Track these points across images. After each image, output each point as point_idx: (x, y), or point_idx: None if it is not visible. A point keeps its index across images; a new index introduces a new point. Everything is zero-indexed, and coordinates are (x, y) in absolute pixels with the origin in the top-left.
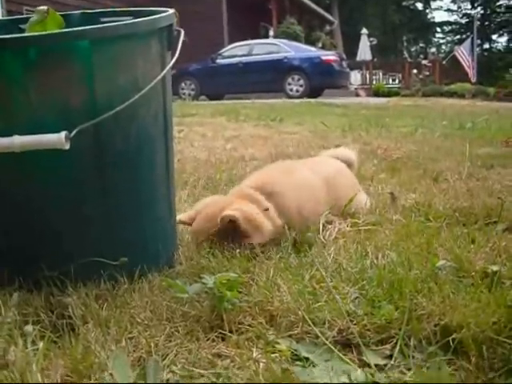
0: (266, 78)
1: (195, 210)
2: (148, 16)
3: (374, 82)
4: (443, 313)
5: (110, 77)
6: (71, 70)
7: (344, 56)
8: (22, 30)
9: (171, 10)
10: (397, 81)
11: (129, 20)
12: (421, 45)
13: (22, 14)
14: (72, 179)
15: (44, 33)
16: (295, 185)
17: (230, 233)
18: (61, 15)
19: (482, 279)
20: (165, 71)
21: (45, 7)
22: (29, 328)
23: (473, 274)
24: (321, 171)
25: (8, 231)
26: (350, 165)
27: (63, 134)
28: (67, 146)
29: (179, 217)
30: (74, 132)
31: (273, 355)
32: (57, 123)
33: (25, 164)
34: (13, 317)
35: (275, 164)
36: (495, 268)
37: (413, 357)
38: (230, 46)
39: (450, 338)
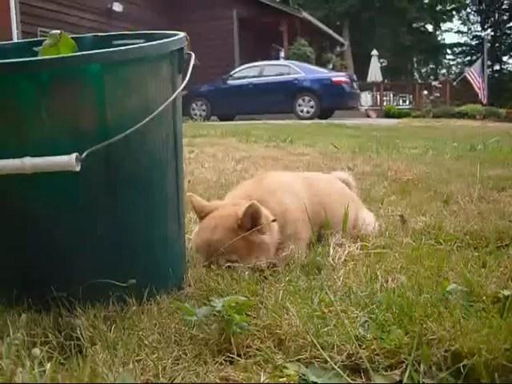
0: (277, 99)
1: (208, 203)
2: (159, 39)
3: (385, 103)
4: (454, 338)
5: (120, 100)
6: (83, 92)
7: (354, 77)
8: (36, 53)
9: (182, 34)
10: (407, 102)
11: (140, 43)
12: (431, 66)
13: (37, 36)
14: (82, 201)
15: (56, 56)
16: (272, 189)
17: (246, 227)
18: (73, 38)
19: (494, 304)
20: (175, 94)
21: (58, 31)
22: (36, 351)
23: (484, 298)
24: (304, 175)
25: (18, 252)
26: (347, 187)
27: (74, 155)
28: (78, 168)
29: (192, 195)
30: (84, 154)
31: (281, 379)
32: (68, 145)
33: (35, 185)
34: (21, 338)
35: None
36: (507, 292)
37: (423, 383)
38: (240, 67)
39: (461, 365)
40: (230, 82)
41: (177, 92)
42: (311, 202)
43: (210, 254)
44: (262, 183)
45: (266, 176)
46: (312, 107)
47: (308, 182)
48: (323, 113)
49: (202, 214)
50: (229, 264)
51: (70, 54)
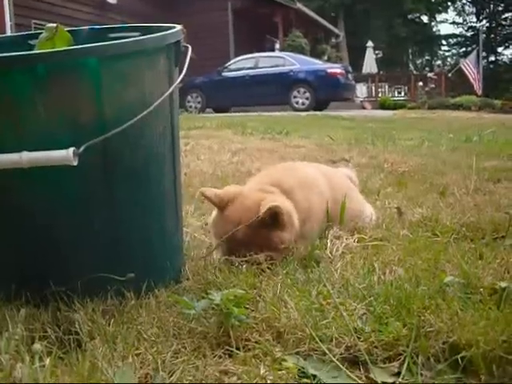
0: (272, 91)
1: (222, 193)
2: (155, 32)
3: (380, 95)
4: (451, 330)
5: (118, 93)
6: (79, 86)
7: (350, 69)
8: (32, 46)
9: (179, 27)
10: (403, 93)
11: (136, 36)
12: (426, 57)
13: (31, 28)
14: (79, 195)
15: (52, 50)
16: (302, 182)
17: (267, 223)
18: (69, 31)
19: (491, 296)
20: (173, 87)
21: (54, 24)
22: (37, 346)
23: (481, 290)
24: (322, 170)
25: (15, 247)
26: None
27: (71, 150)
28: (76, 162)
29: (205, 189)
30: (82, 148)
31: (280, 372)
32: (65, 139)
33: (33, 180)
34: (20, 332)
35: (278, 165)
36: (504, 284)
37: (421, 374)
38: (236, 59)
39: (459, 356)
40: (225, 73)
41: (174, 85)
42: (332, 199)
43: (233, 246)
44: (292, 174)
45: (296, 167)
46: (307, 99)
47: (328, 177)
48: (318, 104)
49: (222, 204)
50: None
51: (67, 48)
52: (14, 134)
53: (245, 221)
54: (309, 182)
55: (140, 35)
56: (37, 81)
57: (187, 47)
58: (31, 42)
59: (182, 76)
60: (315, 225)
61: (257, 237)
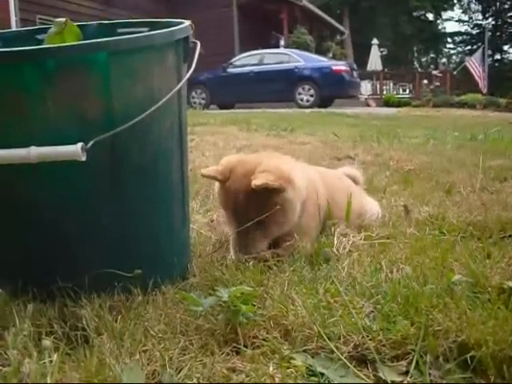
0: (277, 88)
1: (222, 166)
2: (164, 27)
3: (385, 92)
4: (460, 329)
5: (126, 89)
6: (88, 81)
7: (354, 66)
8: (39, 41)
9: (187, 22)
10: (407, 91)
11: (145, 31)
12: (431, 55)
13: (35, 23)
14: (87, 191)
15: (62, 44)
16: (300, 168)
17: (265, 191)
18: (77, 26)
19: (499, 295)
20: (181, 83)
21: (63, 19)
22: (46, 342)
23: (489, 289)
24: (317, 169)
25: (22, 242)
26: (355, 182)
27: (80, 145)
28: (84, 158)
29: (205, 171)
30: (90, 143)
31: (288, 370)
32: (74, 135)
33: (41, 176)
34: (27, 328)
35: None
36: None
37: (429, 374)
38: (240, 56)
39: (468, 356)
40: (230, 70)
41: (183, 81)
42: (330, 200)
43: (239, 219)
44: (299, 166)
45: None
46: (312, 96)
47: (324, 179)
48: (323, 101)
49: (225, 179)
50: (260, 231)
51: (77, 43)
52: (23, 129)
53: (243, 188)
54: (313, 180)
55: (148, 30)
56: (46, 76)
57: (196, 43)
58: (38, 37)
59: (190, 72)
60: (311, 220)
61: (259, 201)
